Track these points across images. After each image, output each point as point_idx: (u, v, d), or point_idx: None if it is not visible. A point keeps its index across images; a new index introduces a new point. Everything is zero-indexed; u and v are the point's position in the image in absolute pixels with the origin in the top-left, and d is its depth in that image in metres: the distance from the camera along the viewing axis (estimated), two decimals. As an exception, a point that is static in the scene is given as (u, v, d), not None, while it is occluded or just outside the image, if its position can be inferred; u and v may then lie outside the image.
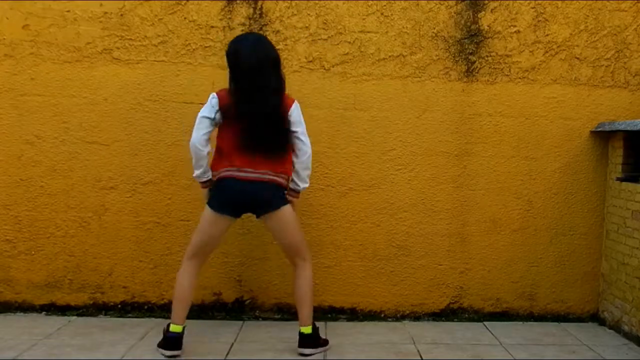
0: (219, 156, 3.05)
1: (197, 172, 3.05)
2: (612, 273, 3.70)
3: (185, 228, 3.65)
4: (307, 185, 3.14)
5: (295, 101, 3.08)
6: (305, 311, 3.13)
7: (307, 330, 3.13)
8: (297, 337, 3.15)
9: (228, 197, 3.03)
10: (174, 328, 3.06)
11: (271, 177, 3.03)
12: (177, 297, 3.08)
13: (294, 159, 3.09)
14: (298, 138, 3.05)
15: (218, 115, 2.97)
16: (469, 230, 3.79)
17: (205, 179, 3.09)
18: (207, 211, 3.06)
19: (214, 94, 3.01)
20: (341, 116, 3.69)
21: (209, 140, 3.00)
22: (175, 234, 3.67)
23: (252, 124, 2.94)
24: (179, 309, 3.07)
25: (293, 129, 3.04)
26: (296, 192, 3.15)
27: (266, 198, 3.04)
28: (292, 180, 3.13)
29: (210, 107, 2.98)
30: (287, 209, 3.09)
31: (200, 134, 2.97)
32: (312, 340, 3.14)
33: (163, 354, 3.05)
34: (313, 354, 3.13)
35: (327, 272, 3.70)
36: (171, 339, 3.06)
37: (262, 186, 3.02)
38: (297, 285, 3.15)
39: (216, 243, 3.16)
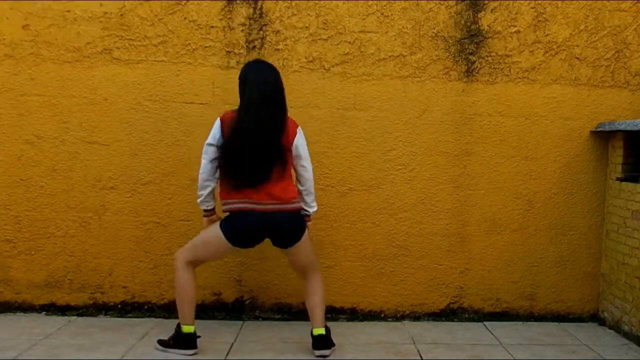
0: (227, 186, 3.00)
1: (199, 200, 3.09)
2: (612, 273, 3.70)
3: (185, 228, 3.65)
4: (315, 208, 3.16)
5: (299, 127, 3.08)
6: (320, 314, 3.14)
7: (322, 331, 3.13)
8: (297, 336, 3.15)
9: (249, 232, 3.01)
10: (187, 329, 3.07)
11: (288, 205, 3.01)
12: (184, 298, 3.06)
13: (298, 186, 3.10)
14: (301, 165, 3.06)
15: (222, 140, 2.97)
16: (469, 230, 3.79)
17: (207, 208, 3.10)
18: (221, 238, 3.02)
19: (219, 119, 3.02)
20: (341, 116, 3.69)
21: (216, 167, 3.01)
22: (175, 234, 3.67)
23: (253, 157, 2.92)
24: (188, 309, 3.07)
25: (295, 154, 3.03)
26: (308, 217, 3.17)
27: (291, 230, 3.04)
28: (301, 208, 3.13)
29: (214, 134, 3.00)
30: (307, 235, 3.12)
31: (206, 161, 3.00)
32: (328, 341, 3.14)
33: (184, 354, 3.05)
34: (330, 354, 3.13)
35: (327, 272, 3.69)
36: (189, 338, 3.07)
37: (285, 217, 3.01)
38: (311, 293, 3.16)
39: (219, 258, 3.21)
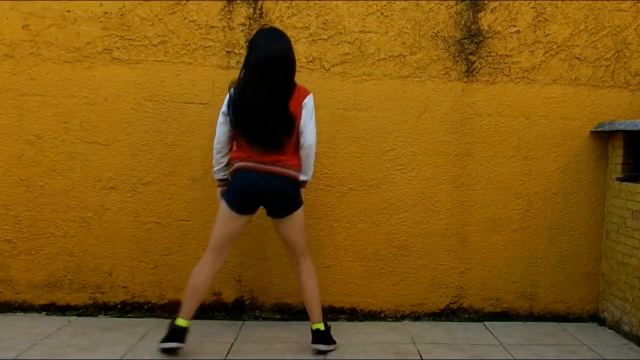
0: (237, 148, 3.05)
1: (215, 168, 3.10)
2: (612, 273, 3.70)
3: (185, 228, 3.66)
4: (307, 178, 3.14)
5: (310, 94, 3.08)
6: (317, 308, 3.15)
7: (321, 326, 3.15)
8: (297, 336, 3.15)
9: (247, 189, 3.00)
10: (180, 322, 3.03)
11: (290, 171, 3.02)
12: (190, 290, 3.04)
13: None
14: (301, 130, 3.02)
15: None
16: (469, 230, 3.79)
17: (221, 177, 3.11)
18: (225, 208, 3.05)
19: (232, 88, 3.04)
20: (341, 116, 3.69)
21: (230, 137, 3.03)
22: (175, 234, 3.67)
23: (256, 122, 2.94)
24: (190, 303, 3.04)
25: (302, 113, 3.01)
26: (303, 183, 3.16)
27: (287, 195, 3.04)
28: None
29: (226, 102, 3.01)
30: (301, 212, 3.13)
31: (221, 132, 3.02)
32: (326, 336, 3.15)
33: (161, 348, 2.99)
34: (328, 350, 3.14)
35: (327, 272, 3.70)
36: (174, 331, 3.01)
37: (284, 180, 3.01)
38: (305, 284, 3.15)
39: (237, 236, 3.15)
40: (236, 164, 3.02)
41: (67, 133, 3.60)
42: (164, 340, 3.02)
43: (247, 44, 3.08)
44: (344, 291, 3.76)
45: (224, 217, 3.06)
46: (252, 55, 2.96)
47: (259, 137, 2.95)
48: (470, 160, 3.76)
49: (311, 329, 3.17)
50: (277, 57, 2.95)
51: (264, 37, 3.02)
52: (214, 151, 3.07)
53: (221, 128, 3.02)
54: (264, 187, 2.98)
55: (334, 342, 3.19)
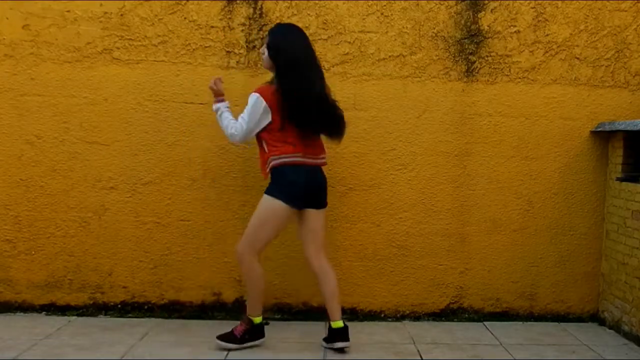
0: (281, 143, 3.06)
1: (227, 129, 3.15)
2: (612, 273, 3.70)
3: (185, 228, 3.66)
4: None
5: None
6: (338, 306, 3.18)
7: (341, 324, 3.16)
8: (297, 336, 3.15)
9: (308, 185, 3.10)
10: (258, 320, 3.18)
11: (325, 161, 3.24)
12: (257, 290, 3.14)
13: None
14: None
15: (269, 117, 3.03)
16: (469, 230, 3.79)
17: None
18: (278, 207, 3.06)
19: (259, 96, 3.02)
20: (341, 116, 3.68)
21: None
22: (175, 234, 3.67)
23: (324, 108, 3.08)
24: (261, 301, 3.18)
25: None
26: None
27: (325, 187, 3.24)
28: None
29: (258, 118, 3.03)
30: None
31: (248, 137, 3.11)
32: (346, 334, 3.16)
33: (260, 343, 3.18)
34: (348, 347, 3.15)
35: (327, 272, 3.69)
36: (261, 328, 3.21)
37: (323, 173, 3.23)
38: (328, 281, 3.18)
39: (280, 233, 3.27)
40: (286, 159, 3.05)
41: (67, 133, 3.60)
42: (256, 338, 3.19)
43: (273, 44, 3.06)
44: (344, 291, 3.75)
45: (278, 216, 3.07)
46: (295, 52, 3.01)
47: (327, 126, 3.13)
48: (470, 160, 3.76)
49: (330, 328, 3.17)
50: (313, 50, 3.13)
51: (293, 33, 3.10)
52: (242, 135, 3.07)
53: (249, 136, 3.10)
54: (319, 180, 3.16)
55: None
